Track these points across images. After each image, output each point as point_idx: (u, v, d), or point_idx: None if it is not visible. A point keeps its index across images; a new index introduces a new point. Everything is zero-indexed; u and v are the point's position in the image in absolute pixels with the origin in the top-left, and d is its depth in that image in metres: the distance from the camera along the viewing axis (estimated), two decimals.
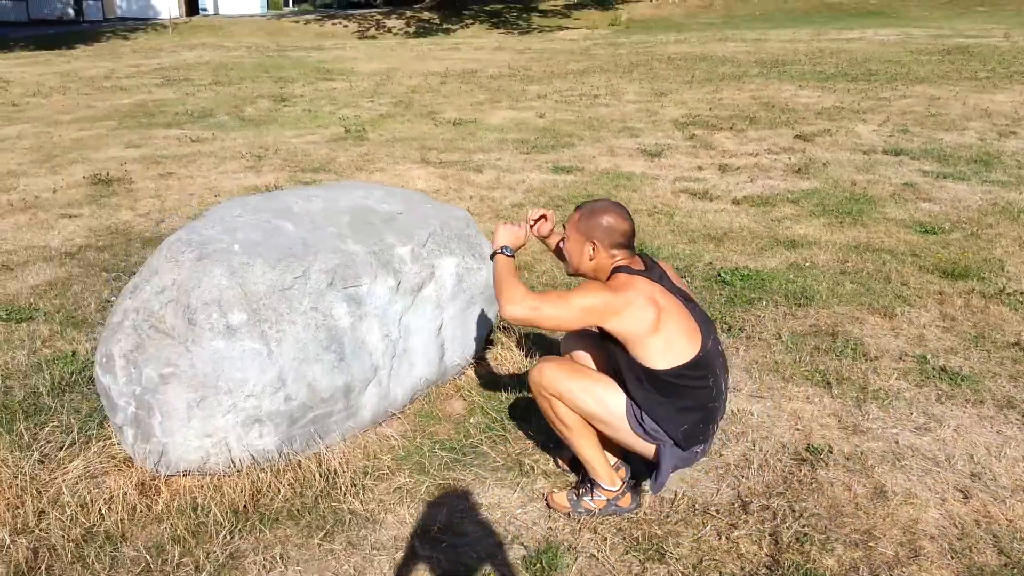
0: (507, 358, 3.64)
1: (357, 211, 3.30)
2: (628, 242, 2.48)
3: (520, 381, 3.43)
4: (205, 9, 48.61)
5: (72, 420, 3.24)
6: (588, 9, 41.72)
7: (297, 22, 40.61)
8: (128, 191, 7.08)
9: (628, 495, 2.58)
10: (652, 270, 2.44)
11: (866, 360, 3.58)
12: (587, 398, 2.45)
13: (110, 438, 3.07)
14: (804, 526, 2.47)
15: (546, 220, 2.80)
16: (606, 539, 2.45)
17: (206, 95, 13.64)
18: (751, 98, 11.41)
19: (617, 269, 2.43)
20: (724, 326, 3.94)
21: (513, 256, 2.56)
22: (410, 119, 10.59)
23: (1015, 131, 8.60)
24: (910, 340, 3.79)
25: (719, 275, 4.65)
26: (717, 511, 2.56)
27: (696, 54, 18.09)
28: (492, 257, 2.57)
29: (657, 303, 2.32)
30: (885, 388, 3.32)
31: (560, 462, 2.86)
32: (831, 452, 2.87)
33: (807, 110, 10.30)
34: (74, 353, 3.92)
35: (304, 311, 2.85)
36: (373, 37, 35.86)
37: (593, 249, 2.47)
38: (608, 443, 2.62)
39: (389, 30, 38.44)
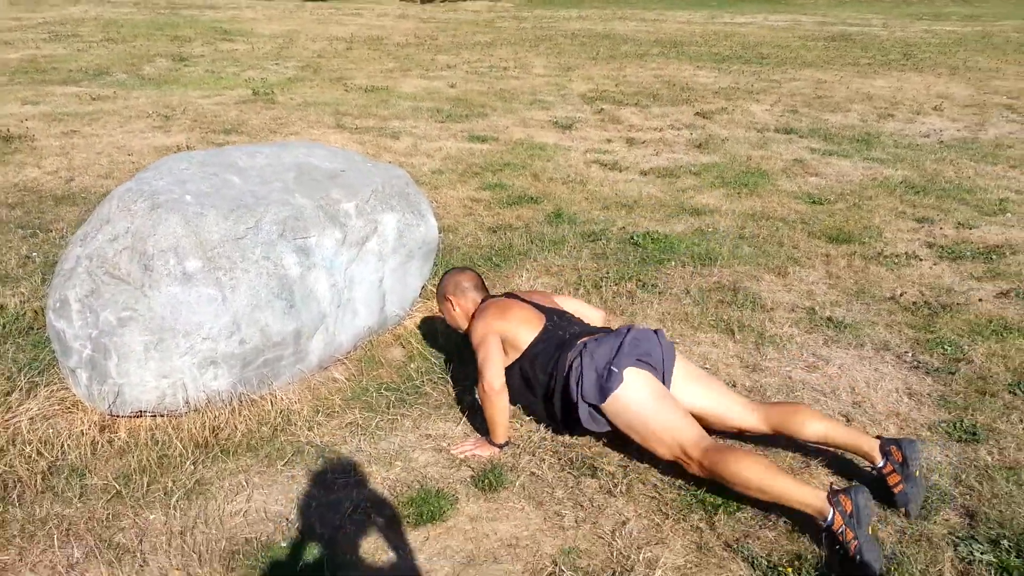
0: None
1: (302, 167, 3.45)
2: (475, 286, 3.20)
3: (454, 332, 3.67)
4: None
5: (13, 368, 3.28)
6: None
7: None
8: (32, 148, 6.87)
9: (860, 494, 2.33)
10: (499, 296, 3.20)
11: (763, 311, 4.00)
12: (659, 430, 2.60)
13: (55, 384, 3.14)
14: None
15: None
16: (544, 460, 2.75)
17: (99, 52, 13.10)
18: (653, 76, 11.89)
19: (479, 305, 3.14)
20: (639, 283, 4.29)
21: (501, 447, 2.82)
22: (319, 84, 10.54)
23: (892, 114, 9.37)
24: (800, 295, 4.23)
25: (632, 238, 5.00)
26: None
27: (598, 31, 18.54)
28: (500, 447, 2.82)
29: (503, 304, 3.06)
30: (779, 334, 3.74)
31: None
32: (734, 386, 3.25)
33: (705, 89, 10.84)
34: (2, 307, 3.90)
35: (256, 260, 3.00)
36: None
37: (454, 304, 3.17)
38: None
39: None
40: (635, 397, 2.63)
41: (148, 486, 2.56)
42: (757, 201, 5.95)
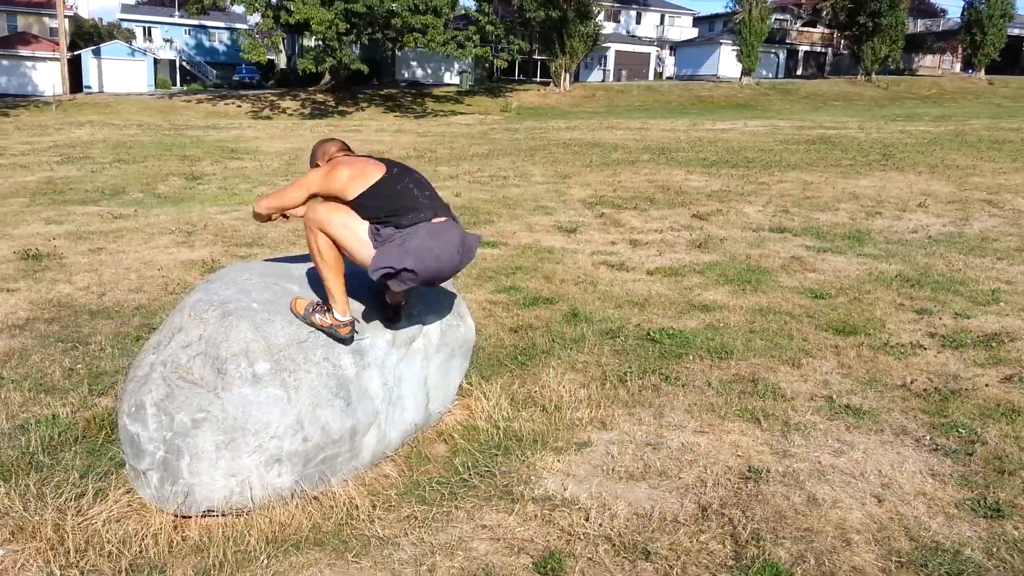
0: (478, 408, 4.06)
1: (350, 274, 3.70)
2: (340, 150, 3.41)
3: (495, 425, 3.85)
4: (89, 87, 47.64)
5: (75, 475, 3.42)
6: (480, 96, 43.48)
7: (189, 101, 40.43)
8: (61, 266, 7.14)
9: (348, 328, 3.24)
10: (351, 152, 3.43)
11: (784, 400, 4.21)
12: (343, 229, 3.14)
13: (120, 488, 3.28)
14: (757, 528, 2.99)
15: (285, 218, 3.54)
16: (598, 545, 2.89)
17: (112, 172, 13.60)
18: (647, 181, 12.43)
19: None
20: (662, 376, 4.51)
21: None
22: None
23: (880, 212, 9.83)
24: (817, 384, 4.45)
25: (648, 335, 5.25)
26: (685, 520, 3.05)
27: (588, 140, 19.36)
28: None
29: (344, 162, 3.25)
30: (803, 422, 3.94)
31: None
32: (769, 472, 3.42)
33: (698, 193, 11.34)
34: (55, 416, 4.06)
35: (317, 361, 3.21)
36: (268, 117, 36.13)
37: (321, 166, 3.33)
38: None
39: (284, 111, 38.84)
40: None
41: None
42: (762, 297, 6.23)
